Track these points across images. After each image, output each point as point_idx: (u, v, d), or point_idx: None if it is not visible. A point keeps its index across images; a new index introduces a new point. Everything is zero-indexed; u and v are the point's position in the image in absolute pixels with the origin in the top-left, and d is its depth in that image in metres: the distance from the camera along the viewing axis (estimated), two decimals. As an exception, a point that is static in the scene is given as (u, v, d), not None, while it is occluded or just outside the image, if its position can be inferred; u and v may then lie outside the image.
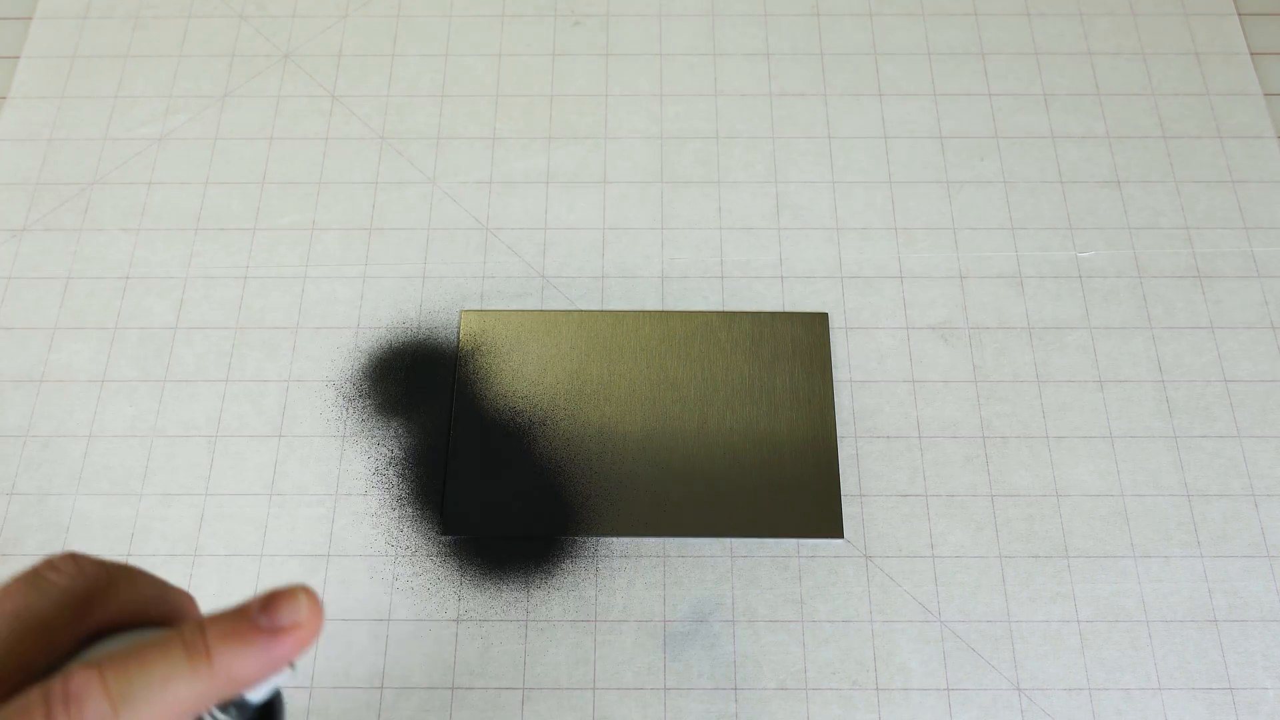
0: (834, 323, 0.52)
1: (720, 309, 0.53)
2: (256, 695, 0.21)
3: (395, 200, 0.56)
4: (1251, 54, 0.60)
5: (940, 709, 0.44)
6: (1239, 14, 0.61)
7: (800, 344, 0.52)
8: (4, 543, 0.48)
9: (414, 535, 0.48)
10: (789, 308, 0.53)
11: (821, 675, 0.45)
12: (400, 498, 0.49)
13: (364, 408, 0.51)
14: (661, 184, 0.56)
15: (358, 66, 0.60)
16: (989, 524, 0.48)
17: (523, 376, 0.51)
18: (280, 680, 0.21)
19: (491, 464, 0.49)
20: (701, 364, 0.51)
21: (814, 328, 0.52)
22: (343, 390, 0.51)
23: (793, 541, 0.48)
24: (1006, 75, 0.60)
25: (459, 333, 0.52)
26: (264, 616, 0.21)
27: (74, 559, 0.23)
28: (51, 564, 0.23)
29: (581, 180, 0.56)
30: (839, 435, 0.50)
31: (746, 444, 0.49)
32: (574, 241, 0.55)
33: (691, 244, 0.55)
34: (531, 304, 0.53)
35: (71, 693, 0.19)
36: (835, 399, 0.50)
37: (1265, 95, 0.59)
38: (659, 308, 0.53)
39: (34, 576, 0.22)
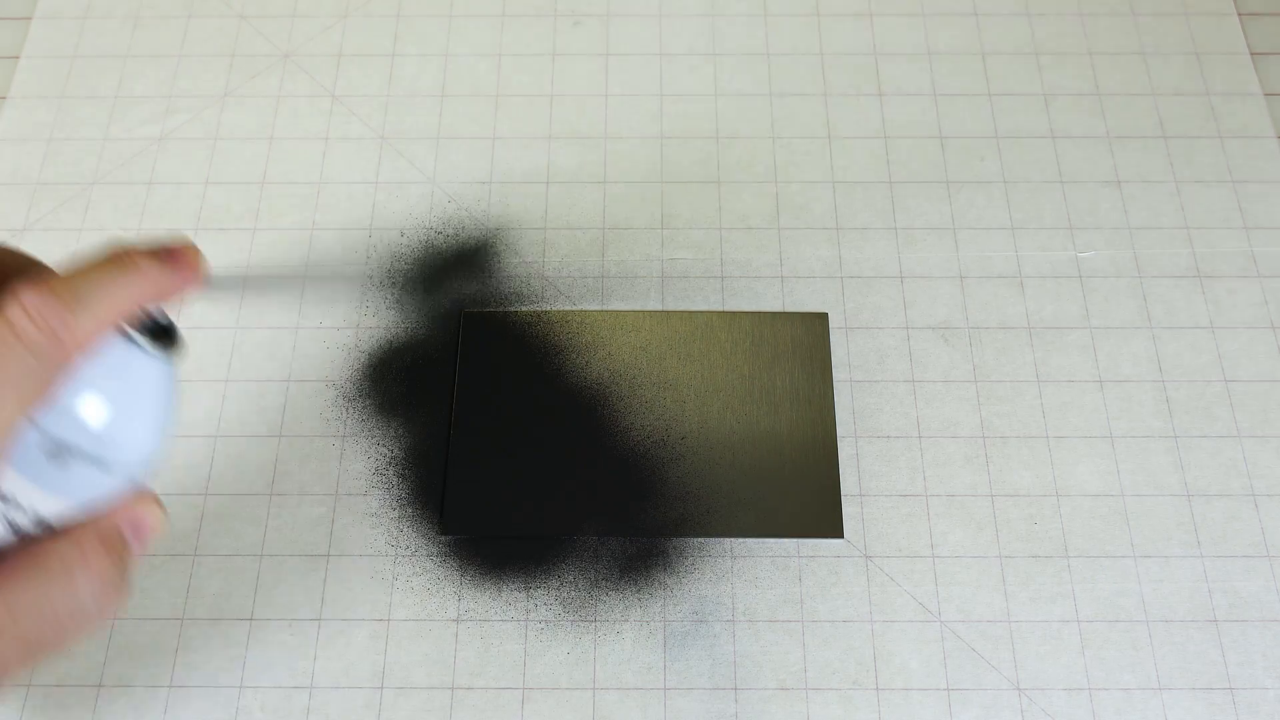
0: (834, 323, 0.52)
1: (720, 309, 0.53)
2: (162, 319, 0.26)
3: (395, 200, 0.56)
4: (1251, 54, 0.60)
5: (940, 709, 0.44)
6: (1239, 14, 0.61)
7: (800, 344, 0.52)
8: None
9: (414, 535, 0.48)
10: (789, 308, 0.53)
11: (821, 675, 0.45)
12: (400, 498, 0.49)
13: (364, 408, 0.51)
14: (661, 184, 0.56)
15: (358, 66, 0.60)
16: (989, 524, 0.48)
17: (523, 377, 0.51)
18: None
19: (491, 464, 0.49)
20: (701, 364, 0.51)
21: (814, 328, 0.52)
22: (343, 390, 0.51)
23: (793, 541, 0.48)
24: (1006, 75, 0.60)
25: (459, 333, 0.52)
26: (165, 249, 0.26)
27: None
28: None
29: (581, 180, 0.56)
30: (839, 435, 0.50)
31: (746, 444, 0.49)
32: (574, 241, 0.55)
33: (691, 244, 0.55)
34: (531, 304, 0.53)
35: (28, 303, 0.22)
36: (835, 399, 0.50)
37: (1265, 95, 0.59)
38: (659, 308, 0.53)
39: None
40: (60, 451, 0.24)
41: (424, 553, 0.48)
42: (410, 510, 0.49)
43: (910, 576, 0.47)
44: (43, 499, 0.24)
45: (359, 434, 0.50)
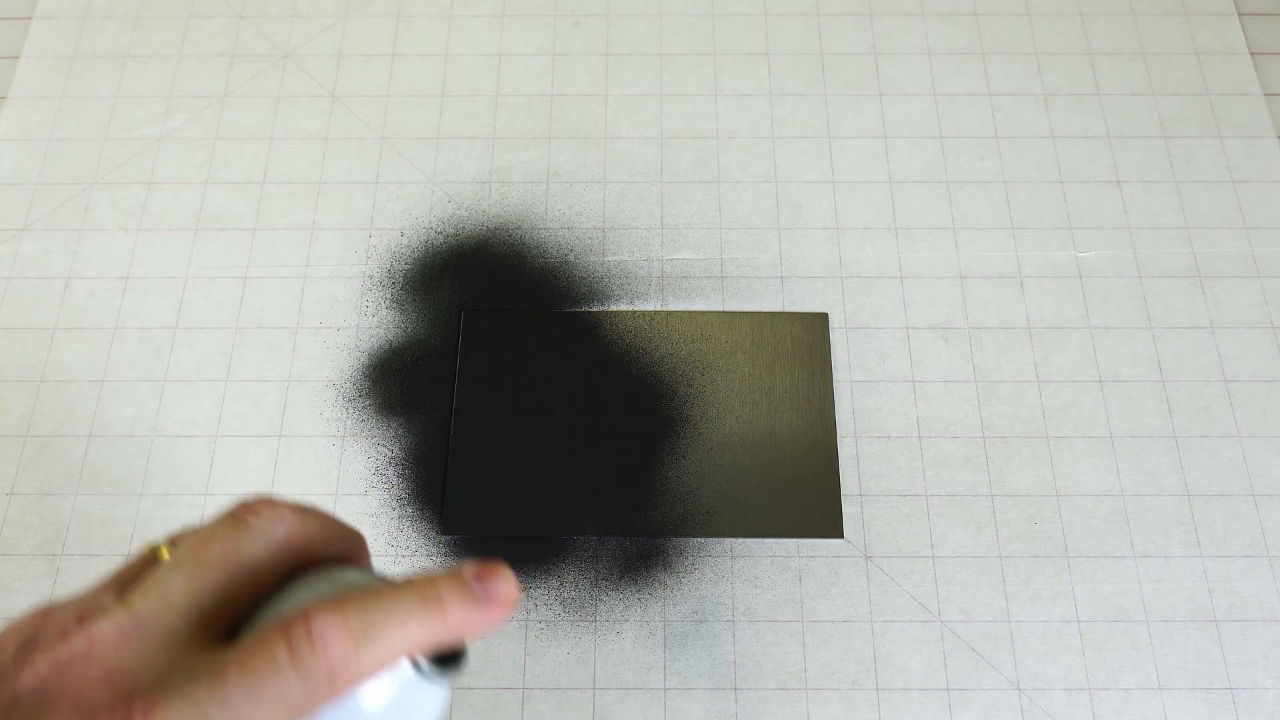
0: (834, 323, 0.52)
1: (720, 309, 0.53)
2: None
3: (395, 200, 0.56)
4: (1251, 54, 0.60)
5: (940, 709, 0.44)
6: (1239, 14, 0.61)
7: (800, 344, 0.52)
8: (4, 543, 0.48)
9: (414, 535, 0.48)
10: (789, 308, 0.53)
11: (821, 675, 0.45)
12: (400, 498, 0.49)
13: (364, 408, 0.51)
14: (662, 184, 0.56)
15: (358, 66, 0.60)
16: (989, 524, 0.48)
17: (522, 376, 0.51)
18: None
19: (491, 464, 0.49)
20: (701, 364, 0.51)
21: (814, 328, 0.52)
22: (343, 390, 0.51)
23: (793, 541, 0.48)
24: (1006, 75, 0.60)
25: (459, 333, 0.52)
26: (480, 586, 0.24)
27: (271, 504, 0.24)
28: (251, 508, 0.24)
29: (581, 180, 0.56)
30: (839, 435, 0.50)
31: (746, 444, 0.49)
32: (574, 241, 0.55)
33: (691, 244, 0.55)
34: (532, 304, 0.53)
35: (315, 632, 0.21)
36: (835, 399, 0.50)
37: (1265, 95, 0.59)
38: (659, 308, 0.53)
39: (237, 521, 0.24)
40: None
41: (424, 553, 0.48)
42: (410, 510, 0.49)
43: (910, 576, 0.47)
44: None
45: (359, 434, 0.50)
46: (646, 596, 0.47)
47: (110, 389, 0.51)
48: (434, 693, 0.24)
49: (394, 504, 0.49)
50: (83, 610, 0.22)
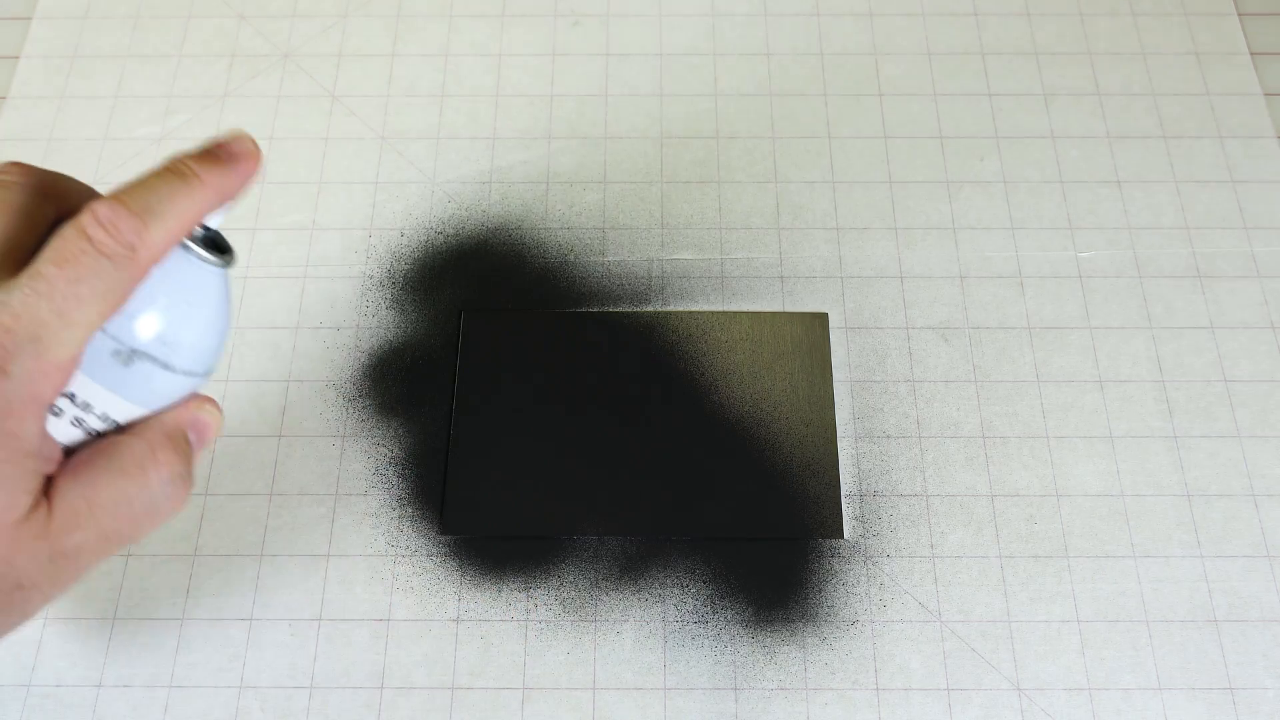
0: (834, 323, 0.52)
1: (720, 309, 0.53)
2: (213, 221, 0.28)
3: (395, 200, 0.56)
4: (1251, 54, 0.60)
5: (940, 709, 0.44)
6: (1239, 14, 0.61)
7: (800, 344, 0.52)
8: (4, 543, 0.48)
9: (414, 535, 0.48)
10: (789, 308, 0.53)
11: (821, 675, 0.45)
12: (400, 498, 0.49)
13: (364, 408, 0.51)
14: (662, 184, 0.56)
15: (358, 66, 0.60)
16: (989, 524, 0.48)
17: (522, 376, 0.51)
18: (217, 219, 0.28)
19: (491, 464, 0.49)
20: (701, 364, 0.51)
21: (814, 328, 0.52)
22: (343, 390, 0.51)
23: (793, 541, 0.48)
24: (1006, 75, 0.60)
25: (459, 332, 0.52)
26: (222, 149, 0.27)
27: (16, 164, 0.27)
28: (1, 169, 0.26)
29: (581, 180, 0.56)
30: (839, 435, 0.50)
31: (746, 444, 0.49)
32: (574, 241, 0.55)
33: (691, 244, 0.55)
34: (532, 304, 0.53)
35: (102, 217, 0.24)
36: (835, 399, 0.50)
37: (1265, 95, 0.59)
38: (659, 308, 0.53)
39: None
40: (129, 357, 0.25)
41: (424, 553, 0.48)
42: (410, 510, 0.49)
43: (910, 576, 0.47)
44: (113, 402, 0.26)
45: (359, 434, 0.50)
46: (646, 596, 0.47)
47: (110, 389, 0.51)
48: (215, 274, 0.27)
49: (394, 504, 0.49)
50: None
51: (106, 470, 0.25)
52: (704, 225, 0.55)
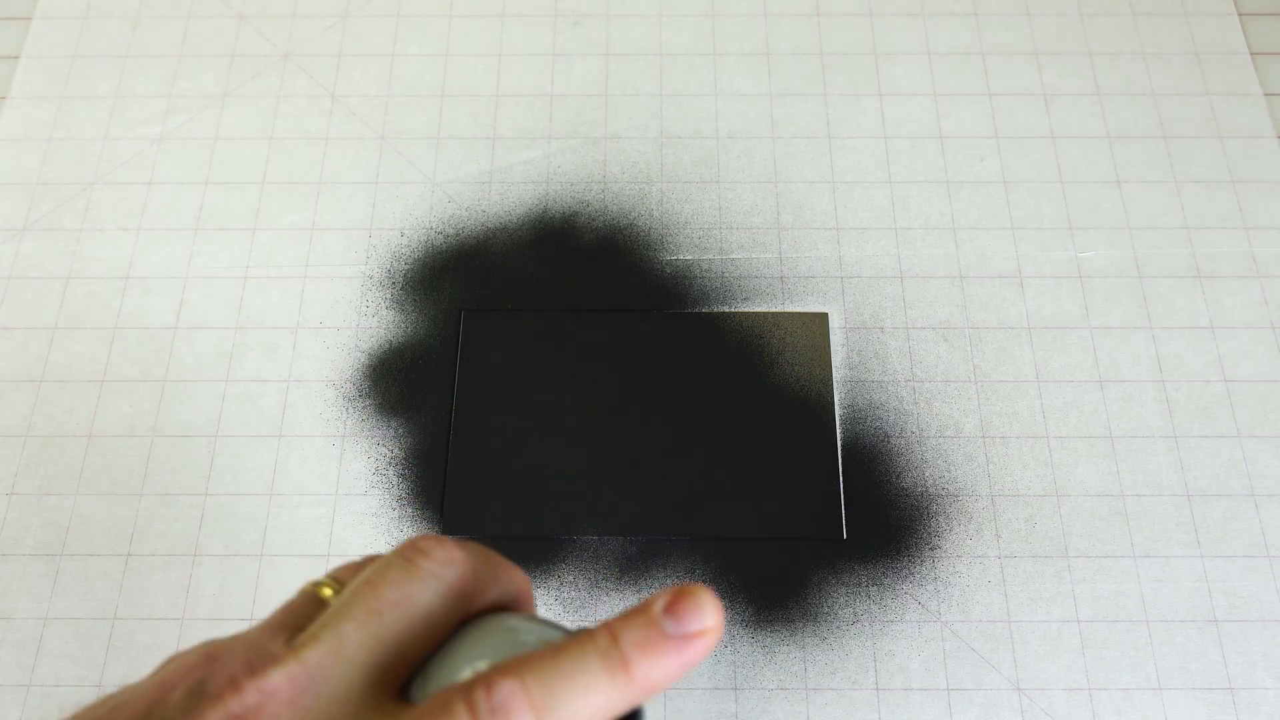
0: (834, 323, 0.52)
1: (720, 309, 0.53)
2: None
3: (395, 200, 0.56)
4: (1251, 54, 0.60)
5: (940, 709, 0.44)
6: (1239, 14, 0.61)
7: (800, 344, 0.52)
8: (4, 543, 0.48)
9: (414, 535, 0.48)
10: (789, 308, 0.53)
11: (821, 675, 0.45)
12: (400, 498, 0.49)
13: (364, 408, 0.51)
14: (662, 184, 0.56)
15: (358, 66, 0.60)
16: (989, 524, 0.48)
17: (523, 377, 0.51)
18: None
19: (491, 464, 0.49)
20: (702, 364, 0.51)
21: (814, 328, 0.52)
22: (343, 390, 0.51)
23: (792, 541, 0.48)
24: (1006, 75, 0.60)
25: (460, 332, 0.52)
26: (671, 623, 0.21)
27: (441, 543, 0.22)
28: (420, 549, 0.22)
29: (581, 180, 0.56)
30: (839, 435, 0.50)
31: (747, 444, 0.49)
32: (574, 241, 0.55)
33: (691, 244, 0.55)
34: (532, 304, 0.53)
35: (496, 703, 0.19)
36: (835, 399, 0.50)
37: (1265, 95, 0.59)
38: (659, 308, 0.53)
39: (408, 563, 0.22)
40: None
41: (424, 553, 0.48)
42: (410, 510, 0.49)
43: (910, 577, 0.47)
44: None
45: (359, 434, 0.50)
46: (646, 596, 0.47)
47: (110, 389, 0.51)
48: None
49: (394, 504, 0.49)
50: (252, 658, 0.21)
51: None
52: (704, 225, 0.55)
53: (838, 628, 0.46)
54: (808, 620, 0.46)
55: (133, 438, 0.50)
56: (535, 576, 0.47)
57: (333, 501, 0.49)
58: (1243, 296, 0.53)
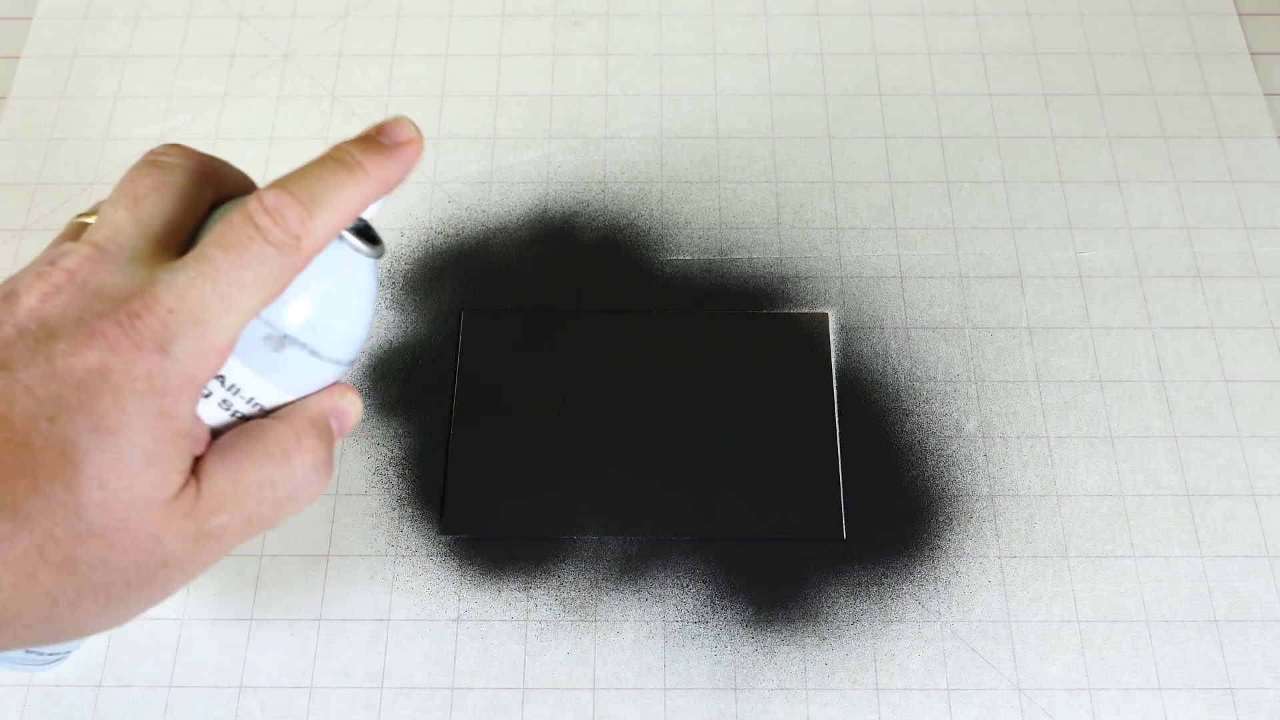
0: (834, 323, 0.52)
1: (720, 309, 0.53)
2: (369, 212, 0.27)
3: (395, 200, 0.56)
4: (1251, 54, 0.60)
5: (940, 709, 0.44)
6: (1239, 14, 0.61)
7: (800, 344, 0.52)
8: (4, 543, 0.48)
9: (414, 535, 0.48)
10: (789, 308, 0.53)
11: (821, 675, 0.45)
12: (400, 498, 0.49)
13: (364, 408, 0.51)
14: (662, 184, 0.56)
15: (358, 66, 0.60)
16: (989, 524, 0.48)
17: (523, 377, 0.51)
18: (373, 209, 0.27)
19: (491, 464, 0.49)
20: (701, 364, 0.51)
21: (814, 328, 0.52)
22: (343, 390, 0.51)
23: (792, 542, 0.48)
24: (1006, 75, 0.60)
25: (459, 333, 0.52)
26: (385, 137, 0.26)
27: (177, 146, 0.27)
28: (160, 151, 0.27)
29: (582, 180, 0.56)
30: (839, 435, 0.50)
31: (746, 444, 0.49)
32: (574, 241, 0.55)
33: (692, 244, 0.55)
34: (532, 304, 0.53)
35: (269, 205, 0.24)
36: (835, 399, 0.50)
37: (1265, 95, 0.59)
38: (658, 307, 0.53)
39: (153, 161, 0.26)
40: (281, 342, 0.25)
41: (424, 553, 0.48)
42: (410, 510, 0.49)
43: (910, 576, 0.47)
44: (261, 386, 0.26)
45: (359, 434, 0.50)
46: (646, 596, 0.47)
47: (110, 389, 0.51)
48: (369, 267, 0.27)
49: (394, 504, 0.49)
50: (48, 256, 0.24)
51: (252, 454, 0.25)
52: (704, 225, 0.55)
53: (838, 628, 0.46)
54: (808, 620, 0.46)
55: (133, 438, 0.50)
56: (535, 576, 0.47)
57: (332, 501, 0.49)
58: (1243, 296, 0.53)
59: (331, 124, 0.58)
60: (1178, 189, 0.56)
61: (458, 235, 0.55)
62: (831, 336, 0.52)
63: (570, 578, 0.47)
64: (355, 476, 0.49)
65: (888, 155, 0.57)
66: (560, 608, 0.46)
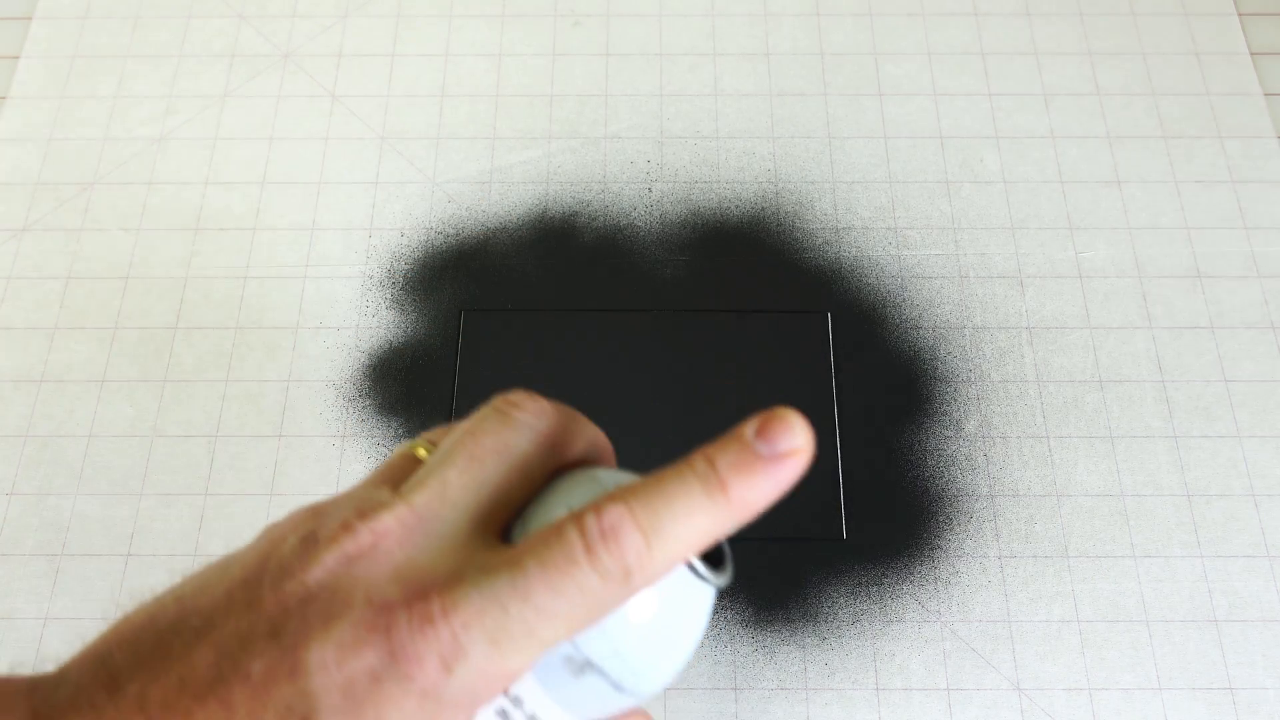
0: (834, 323, 0.52)
1: (721, 309, 0.53)
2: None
3: (395, 200, 0.56)
4: (1251, 54, 0.60)
5: (940, 709, 0.44)
6: (1239, 14, 0.61)
7: (800, 344, 0.52)
8: (4, 543, 0.48)
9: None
10: (789, 308, 0.53)
11: (821, 675, 0.45)
12: (400, 498, 0.49)
13: (364, 408, 0.51)
14: (663, 184, 0.56)
15: (358, 66, 0.60)
16: (989, 524, 0.48)
17: (523, 377, 0.51)
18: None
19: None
20: (702, 364, 0.51)
21: (814, 328, 0.52)
22: (343, 390, 0.51)
23: (793, 542, 0.48)
24: (1006, 75, 0.60)
25: (459, 333, 0.52)
26: (763, 444, 0.21)
27: (532, 398, 0.24)
28: (513, 402, 0.24)
29: (582, 180, 0.56)
30: (838, 435, 0.50)
31: (746, 444, 0.49)
32: (574, 241, 0.55)
33: (691, 243, 0.55)
34: (532, 304, 0.53)
35: (606, 527, 0.20)
36: (835, 399, 0.50)
37: (1265, 95, 0.59)
38: (659, 308, 0.53)
39: (501, 414, 0.23)
40: (582, 667, 0.22)
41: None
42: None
43: (910, 576, 0.47)
44: (547, 707, 0.22)
45: (359, 434, 0.50)
46: (646, 596, 0.47)
47: (110, 389, 0.51)
48: (707, 595, 0.23)
49: (394, 504, 0.49)
50: (360, 505, 0.21)
51: None
52: (705, 225, 0.55)
53: (838, 628, 0.46)
54: (808, 620, 0.46)
55: (133, 438, 0.50)
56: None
57: (333, 501, 0.49)
58: (1243, 296, 0.53)
59: (331, 124, 0.58)
60: (1178, 189, 0.56)
61: (458, 235, 0.55)
62: (831, 336, 0.52)
63: (570, 578, 0.47)
64: (355, 476, 0.49)
65: (888, 155, 0.57)
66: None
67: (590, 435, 0.25)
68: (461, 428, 0.23)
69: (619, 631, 0.22)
